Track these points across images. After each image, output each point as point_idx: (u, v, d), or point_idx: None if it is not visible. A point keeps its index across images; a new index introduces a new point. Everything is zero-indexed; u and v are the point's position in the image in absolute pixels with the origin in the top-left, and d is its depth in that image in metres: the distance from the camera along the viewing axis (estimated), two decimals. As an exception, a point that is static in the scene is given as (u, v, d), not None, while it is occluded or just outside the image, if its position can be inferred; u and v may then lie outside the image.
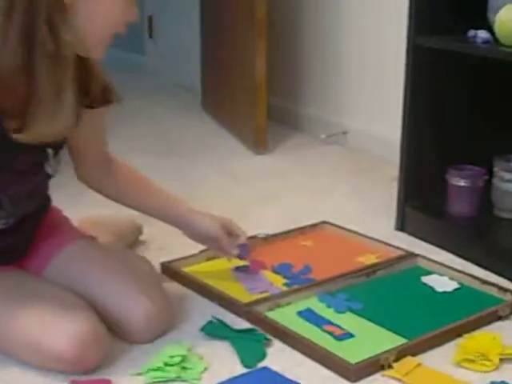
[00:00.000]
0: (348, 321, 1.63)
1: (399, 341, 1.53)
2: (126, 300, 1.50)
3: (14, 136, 1.34)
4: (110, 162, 1.69)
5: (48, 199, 1.65)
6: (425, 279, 1.82)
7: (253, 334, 1.56)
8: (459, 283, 1.80)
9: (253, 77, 2.84)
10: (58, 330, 1.38)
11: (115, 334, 1.51)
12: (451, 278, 1.82)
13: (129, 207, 1.73)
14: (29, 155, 1.43)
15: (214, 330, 1.57)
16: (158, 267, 1.85)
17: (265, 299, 1.68)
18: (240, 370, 1.45)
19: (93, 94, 1.49)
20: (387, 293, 1.76)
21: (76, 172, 1.67)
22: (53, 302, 1.45)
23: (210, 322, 1.60)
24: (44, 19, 1.29)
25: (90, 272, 1.56)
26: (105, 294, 1.51)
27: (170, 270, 1.83)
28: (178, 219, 1.73)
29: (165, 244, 1.99)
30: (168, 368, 1.42)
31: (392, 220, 2.15)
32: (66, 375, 1.40)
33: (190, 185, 2.52)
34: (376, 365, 1.44)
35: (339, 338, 1.55)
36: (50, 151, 1.47)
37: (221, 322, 1.60)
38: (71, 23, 1.33)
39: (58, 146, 1.49)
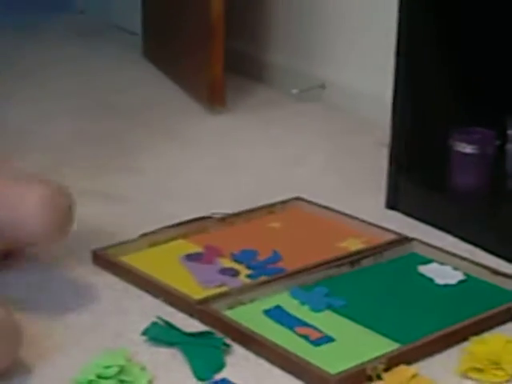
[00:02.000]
0: (327, 321, 1.64)
1: (390, 346, 1.54)
2: (19, 192, 1.65)
3: None
4: None
5: None
6: (422, 269, 1.84)
7: (208, 339, 1.56)
8: (465, 274, 1.81)
9: (207, 17, 2.83)
10: None
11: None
12: (455, 268, 1.83)
13: None
14: None
15: (160, 334, 1.58)
16: (88, 256, 1.85)
17: (223, 295, 1.69)
18: (192, 383, 1.45)
19: None
20: (375, 286, 1.78)
21: None
22: None
23: (155, 324, 1.60)
24: None
25: None
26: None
27: (104, 259, 1.83)
28: None
29: (96, 226, 1.99)
30: (102, 381, 1.42)
31: (381, 196, 2.16)
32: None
33: (129, 152, 2.52)
34: (362, 375, 1.45)
35: (316, 343, 1.56)
36: None
37: (168, 323, 1.61)
38: None
39: None
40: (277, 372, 1.48)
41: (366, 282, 1.79)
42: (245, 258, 1.87)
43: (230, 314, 1.63)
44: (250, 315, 1.64)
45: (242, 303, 1.68)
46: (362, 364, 1.46)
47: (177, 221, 2.00)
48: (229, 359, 1.52)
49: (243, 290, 1.71)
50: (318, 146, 2.61)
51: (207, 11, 2.83)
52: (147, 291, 1.73)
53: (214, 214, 2.04)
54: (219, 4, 2.81)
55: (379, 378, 1.45)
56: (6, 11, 4.35)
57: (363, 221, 2.03)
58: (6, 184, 1.69)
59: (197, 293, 1.70)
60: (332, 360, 1.48)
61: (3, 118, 2.77)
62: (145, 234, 1.92)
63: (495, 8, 2.06)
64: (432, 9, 2.05)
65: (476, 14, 2.08)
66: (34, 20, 4.24)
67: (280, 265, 1.84)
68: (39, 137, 2.59)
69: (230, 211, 2.07)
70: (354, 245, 1.93)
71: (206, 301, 1.66)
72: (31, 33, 4.02)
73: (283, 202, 2.13)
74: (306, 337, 1.57)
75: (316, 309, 1.67)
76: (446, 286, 1.77)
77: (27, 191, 1.65)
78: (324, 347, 1.55)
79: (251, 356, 1.53)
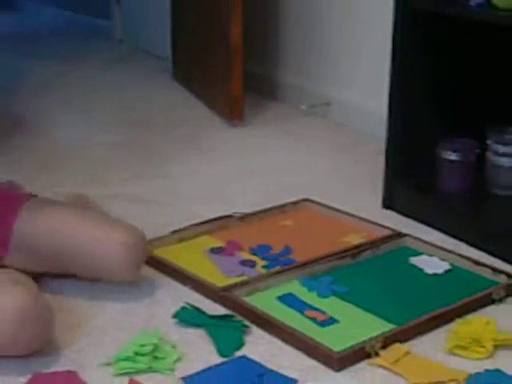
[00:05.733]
0: (332, 305, 1.63)
1: (386, 327, 1.54)
2: (102, 236, 1.60)
3: None
4: None
5: None
6: (414, 260, 1.83)
7: (230, 321, 1.56)
8: (450, 264, 1.81)
9: (227, 42, 2.83)
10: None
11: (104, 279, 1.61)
12: (442, 259, 1.83)
13: None
14: None
15: (188, 317, 1.57)
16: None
17: (242, 283, 1.69)
18: (216, 359, 1.45)
19: None
20: (374, 275, 1.77)
21: None
22: None
23: (184, 309, 1.60)
24: None
25: (57, 225, 1.62)
26: (80, 239, 1.60)
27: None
28: None
29: (133, 224, 1.99)
30: (139, 358, 1.42)
31: (379, 197, 2.16)
32: (29, 368, 1.40)
33: (159, 161, 2.52)
34: (361, 352, 1.44)
35: (322, 324, 1.56)
36: None
37: (195, 308, 1.60)
38: None
39: None
40: (288, 349, 1.48)
41: (365, 271, 1.79)
42: (261, 251, 1.87)
43: (248, 299, 1.63)
44: (265, 301, 1.64)
45: (259, 290, 1.68)
46: (362, 343, 1.46)
47: (202, 219, 2.00)
48: (247, 338, 1.52)
49: (259, 278, 1.71)
50: (324, 155, 2.61)
51: (227, 39, 2.83)
52: (177, 280, 1.73)
53: (234, 213, 2.04)
54: (238, 33, 2.81)
55: (377, 354, 1.45)
56: (57, 40, 4.38)
57: (363, 219, 2.02)
58: (93, 225, 1.63)
59: (220, 281, 1.70)
60: (336, 339, 1.49)
61: (56, 136, 2.78)
62: (175, 231, 1.92)
63: (476, 36, 2.05)
64: (421, 38, 2.05)
65: (460, 41, 2.07)
66: (80, 48, 4.26)
67: (291, 257, 1.84)
68: (86, 150, 2.60)
69: (247, 211, 2.07)
70: (354, 239, 1.92)
71: (227, 288, 1.66)
72: (78, 59, 4.03)
73: (294, 203, 2.13)
74: (313, 319, 1.57)
75: (322, 295, 1.67)
76: (434, 274, 1.77)
77: (111, 235, 1.60)
78: (329, 328, 1.54)
79: (266, 336, 1.53)
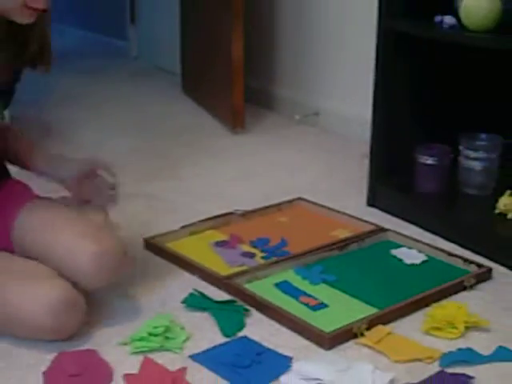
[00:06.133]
0: (322, 292, 1.63)
1: (371, 310, 1.54)
2: (73, 246, 1.47)
3: None
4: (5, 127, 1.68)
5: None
6: (394, 252, 1.83)
7: (232, 305, 1.56)
8: (427, 256, 1.80)
9: (230, 60, 2.83)
10: (31, 300, 1.38)
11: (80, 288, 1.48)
12: (419, 251, 1.82)
13: (16, 166, 1.69)
14: None
15: (195, 302, 1.57)
16: (141, 243, 1.84)
17: (243, 272, 1.69)
18: (220, 339, 1.45)
19: (30, 50, 1.51)
20: (359, 265, 1.77)
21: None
22: (22, 274, 1.44)
23: (192, 295, 1.60)
24: None
25: (42, 233, 1.54)
26: (57, 248, 1.49)
27: (153, 246, 1.83)
28: (50, 164, 1.66)
29: (147, 220, 1.99)
30: (152, 338, 1.42)
31: (363, 196, 2.15)
32: (55, 346, 1.40)
33: (171, 163, 2.52)
34: (349, 333, 1.45)
35: (314, 309, 1.56)
36: None
37: (202, 294, 1.60)
38: None
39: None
40: (284, 330, 1.48)
41: (351, 262, 1.78)
42: (260, 244, 1.86)
43: (248, 286, 1.63)
44: (263, 288, 1.64)
45: (258, 278, 1.68)
46: (349, 324, 1.46)
47: (208, 216, 1.99)
48: (247, 321, 1.52)
49: (259, 268, 1.71)
50: (315, 159, 2.60)
51: (230, 57, 2.83)
52: (186, 269, 1.73)
53: (236, 210, 2.04)
54: (239, 52, 2.81)
55: (362, 335, 1.45)
56: (79, 57, 4.38)
57: (349, 215, 2.02)
58: (62, 233, 1.50)
59: (223, 270, 1.70)
60: (326, 321, 1.49)
61: (79, 141, 2.78)
62: (184, 226, 1.92)
63: (450, 53, 2.05)
64: (401, 56, 2.04)
65: (436, 58, 2.07)
66: (99, 64, 4.26)
67: (286, 249, 1.83)
68: (105, 153, 2.59)
69: (248, 208, 2.06)
70: (342, 234, 1.92)
71: (230, 277, 1.66)
72: (98, 74, 4.03)
73: (289, 202, 2.13)
74: (306, 304, 1.57)
75: (314, 282, 1.67)
76: (412, 265, 1.77)
77: (80, 250, 1.46)
78: (320, 312, 1.55)
79: (265, 319, 1.53)
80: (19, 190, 1.66)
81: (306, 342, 1.44)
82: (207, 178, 2.39)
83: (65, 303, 1.39)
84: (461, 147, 2.02)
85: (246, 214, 2.03)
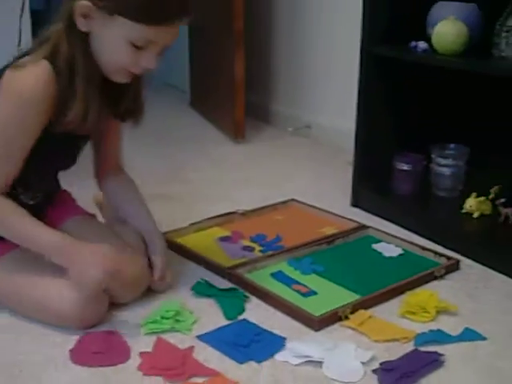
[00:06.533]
0: (312, 281, 1.63)
1: (354, 297, 1.54)
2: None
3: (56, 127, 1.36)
4: (118, 169, 1.65)
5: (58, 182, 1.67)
6: (375, 246, 1.83)
7: (234, 292, 1.56)
8: (403, 249, 1.81)
9: (233, 80, 2.83)
10: (61, 293, 1.37)
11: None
12: (396, 245, 1.83)
13: (114, 208, 1.68)
14: (63, 150, 1.47)
15: (202, 289, 1.58)
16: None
17: (244, 263, 1.69)
18: (223, 322, 1.45)
19: (123, 107, 1.48)
20: (344, 258, 1.77)
21: (93, 169, 1.65)
22: (53, 270, 1.40)
23: (199, 283, 1.60)
24: (78, 50, 1.33)
25: None
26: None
27: (166, 241, 1.82)
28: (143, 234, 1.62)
29: (159, 218, 1.99)
30: (164, 321, 1.42)
31: (348, 198, 2.16)
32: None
33: (179, 170, 2.52)
34: (335, 317, 1.45)
35: (305, 295, 1.56)
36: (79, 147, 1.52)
37: (207, 282, 1.60)
38: (92, 50, 1.35)
39: (84, 141, 1.54)
40: (279, 314, 1.49)
41: (337, 255, 1.78)
42: (258, 239, 1.86)
43: (248, 276, 1.63)
44: (261, 277, 1.64)
45: (256, 269, 1.68)
46: (335, 309, 1.46)
47: (213, 215, 1.99)
48: (247, 306, 1.52)
49: (257, 260, 1.71)
50: (306, 166, 2.60)
51: (233, 76, 2.83)
52: (194, 261, 1.73)
53: (237, 210, 2.04)
54: (240, 72, 2.81)
55: (346, 318, 1.45)
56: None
57: (336, 214, 2.02)
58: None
59: (226, 262, 1.70)
60: (315, 306, 1.49)
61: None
62: (192, 224, 1.92)
63: (423, 74, 2.06)
64: (381, 77, 2.05)
65: (412, 78, 2.08)
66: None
67: (281, 244, 1.83)
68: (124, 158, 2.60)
69: (248, 208, 2.06)
70: (329, 230, 1.92)
71: (232, 268, 1.66)
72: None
73: (283, 203, 2.13)
74: (298, 291, 1.57)
75: (305, 273, 1.67)
76: (390, 257, 1.77)
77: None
78: (310, 298, 1.55)
79: (262, 304, 1.53)
80: (71, 202, 1.67)
81: (297, 324, 1.44)
82: (212, 181, 2.39)
83: (90, 299, 1.38)
84: (432, 155, 2.03)
85: (246, 213, 2.03)
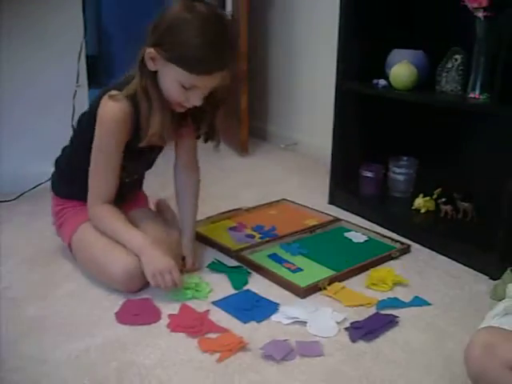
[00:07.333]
0: (299, 260, 1.63)
1: (331, 273, 1.54)
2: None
3: (140, 144, 1.40)
4: (190, 167, 1.65)
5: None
6: (346, 234, 1.83)
7: (240, 269, 1.56)
8: (368, 237, 1.81)
9: (238, 109, 2.82)
10: (117, 262, 1.38)
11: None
12: (363, 234, 1.83)
13: (175, 193, 1.66)
14: (150, 153, 1.52)
15: (216, 267, 1.58)
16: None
17: (247, 247, 1.68)
18: (232, 291, 1.46)
19: (201, 130, 1.53)
20: (323, 243, 1.76)
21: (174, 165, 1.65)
22: (111, 243, 1.41)
23: (213, 262, 1.60)
24: (150, 84, 1.35)
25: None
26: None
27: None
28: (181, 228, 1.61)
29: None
30: (187, 291, 1.43)
31: (326, 198, 2.15)
32: (123, 296, 1.40)
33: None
34: (316, 287, 1.45)
35: (294, 271, 1.56)
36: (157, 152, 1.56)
37: (219, 261, 1.61)
38: (159, 84, 1.36)
39: (160, 151, 1.57)
40: (274, 286, 1.49)
41: (318, 241, 1.78)
42: (258, 229, 1.86)
43: (250, 257, 1.63)
44: (260, 257, 1.63)
45: (256, 251, 1.68)
46: (317, 282, 1.46)
47: (223, 210, 1.99)
48: (250, 279, 1.52)
49: (257, 245, 1.71)
50: (294, 173, 2.59)
51: (238, 106, 2.82)
52: (210, 246, 1.72)
53: (242, 207, 2.03)
54: (244, 104, 2.80)
55: (325, 289, 1.45)
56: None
57: (317, 210, 2.01)
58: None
59: (234, 246, 1.69)
60: (302, 280, 1.49)
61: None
62: (208, 217, 1.91)
63: (384, 104, 2.05)
64: (352, 105, 2.05)
65: (376, 107, 2.07)
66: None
67: (275, 232, 1.83)
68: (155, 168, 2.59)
69: (250, 206, 2.06)
70: (311, 222, 1.91)
71: (238, 250, 1.65)
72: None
73: (277, 201, 2.12)
74: (288, 268, 1.57)
75: (293, 254, 1.67)
76: (358, 243, 1.77)
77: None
78: (297, 274, 1.55)
79: (261, 278, 1.53)
80: (144, 198, 1.71)
81: (288, 293, 1.45)
82: (222, 185, 2.39)
83: (135, 269, 1.38)
84: (390, 165, 2.03)
85: (248, 209, 2.02)
